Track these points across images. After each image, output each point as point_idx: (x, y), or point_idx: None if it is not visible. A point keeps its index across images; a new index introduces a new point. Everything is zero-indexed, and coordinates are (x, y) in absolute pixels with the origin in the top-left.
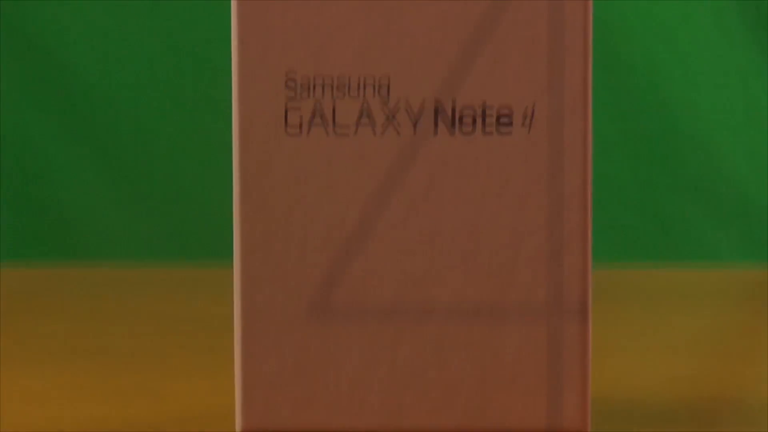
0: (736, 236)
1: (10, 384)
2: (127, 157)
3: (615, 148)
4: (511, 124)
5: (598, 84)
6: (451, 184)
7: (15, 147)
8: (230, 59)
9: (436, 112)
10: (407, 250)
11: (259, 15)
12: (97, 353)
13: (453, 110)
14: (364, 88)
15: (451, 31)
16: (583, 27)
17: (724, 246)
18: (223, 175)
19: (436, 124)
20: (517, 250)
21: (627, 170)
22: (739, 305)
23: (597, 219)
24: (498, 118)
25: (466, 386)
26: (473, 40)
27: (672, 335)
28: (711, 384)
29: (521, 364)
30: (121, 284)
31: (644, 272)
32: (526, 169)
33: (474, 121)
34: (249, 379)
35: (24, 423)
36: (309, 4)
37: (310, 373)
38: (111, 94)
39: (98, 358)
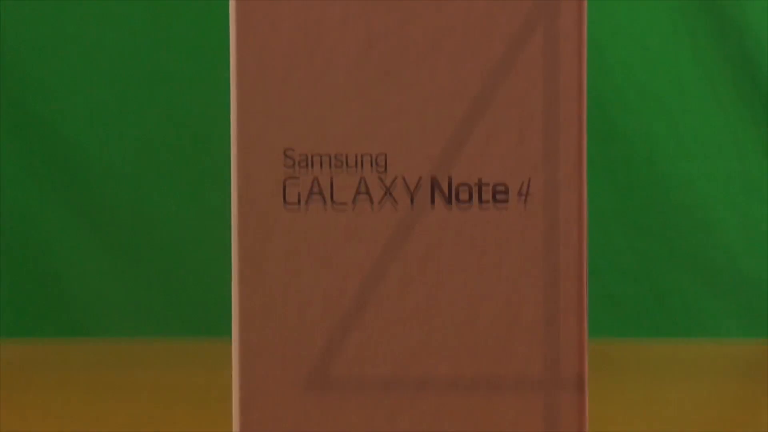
0: (733, 310)
1: None
2: (125, 231)
3: (612, 220)
4: (507, 198)
5: (595, 156)
6: (448, 257)
7: (15, 222)
8: (228, 132)
9: (433, 186)
10: (404, 322)
11: (258, 91)
12: (96, 425)
13: (450, 182)
14: (362, 163)
15: (447, 107)
16: (578, 101)
17: (721, 320)
18: (222, 248)
19: (433, 198)
20: (513, 323)
21: (624, 243)
22: (737, 379)
23: (593, 291)
24: (494, 193)
25: None
26: (468, 115)
27: (669, 408)
28: None
29: None
30: (120, 358)
31: (641, 345)
32: (522, 241)
33: (470, 196)
34: None
35: None
36: (307, 80)
37: None
38: (110, 168)
39: (98, 429)
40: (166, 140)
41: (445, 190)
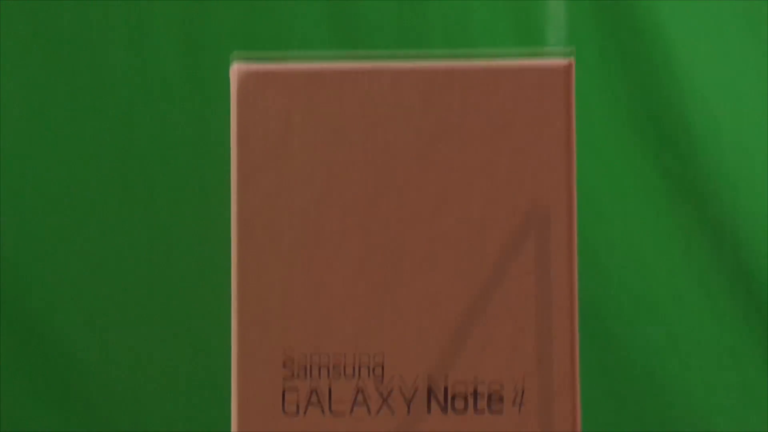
0: None
1: None
2: None
3: (607, 427)
4: (502, 408)
5: (592, 364)
6: None
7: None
8: (228, 338)
9: (429, 391)
10: None
11: (258, 297)
12: None
13: (445, 389)
14: (359, 368)
15: (443, 311)
16: (570, 308)
17: None
18: None
19: (429, 404)
20: None
21: None
22: None
23: None
24: (489, 401)
25: None
26: (464, 319)
27: None
28: None
29: None
30: None
31: None
32: None
33: (466, 401)
34: None
35: None
36: (307, 284)
37: None
38: (109, 378)
39: None
40: (165, 345)
41: (441, 398)
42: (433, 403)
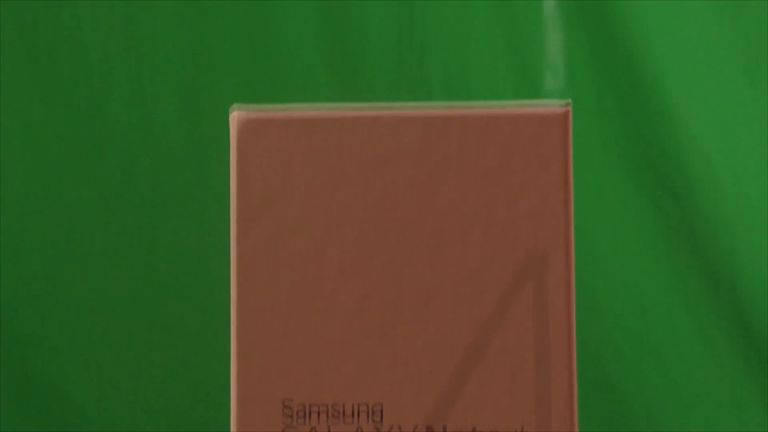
0: None
1: None
2: None
3: None
4: None
5: (591, 408)
6: None
7: None
8: (227, 384)
9: None
10: None
11: (257, 342)
12: None
13: None
14: (358, 414)
15: (441, 357)
16: (568, 352)
17: None
18: None
19: None
20: None
21: None
22: None
23: None
24: None
25: None
26: (462, 366)
27: None
28: None
29: None
30: None
31: None
32: None
33: None
34: None
35: None
36: (306, 332)
37: None
38: (108, 422)
39: None
40: (164, 394)
41: None
42: None
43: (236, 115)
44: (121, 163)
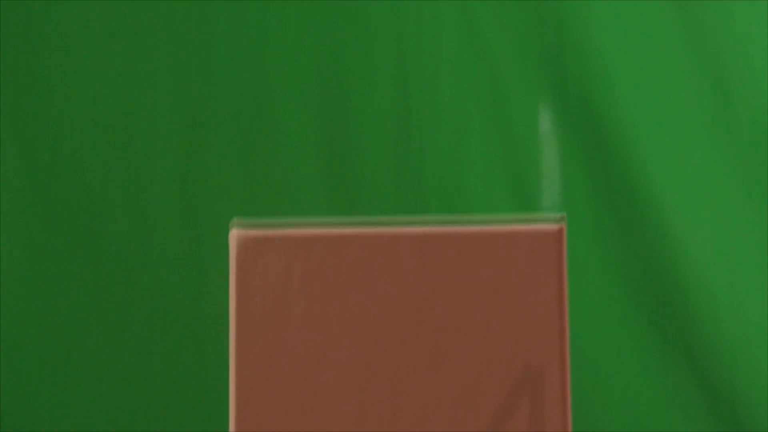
0: None
1: None
2: None
3: None
4: None
5: None
6: None
7: None
8: None
9: None
10: None
11: None
12: None
13: None
14: None
15: None
16: None
17: None
18: None
19: None
20: None
21: None
22: None
23: None
24: None
25: None
26: None
27: None
28: None
29: None
30: None
31: None
32: None
33: None
34: None
35: None
36: None
37: None
38: None
39: None
40: None
41: None
42: None
43: (235, 233)
44: (119, 280)
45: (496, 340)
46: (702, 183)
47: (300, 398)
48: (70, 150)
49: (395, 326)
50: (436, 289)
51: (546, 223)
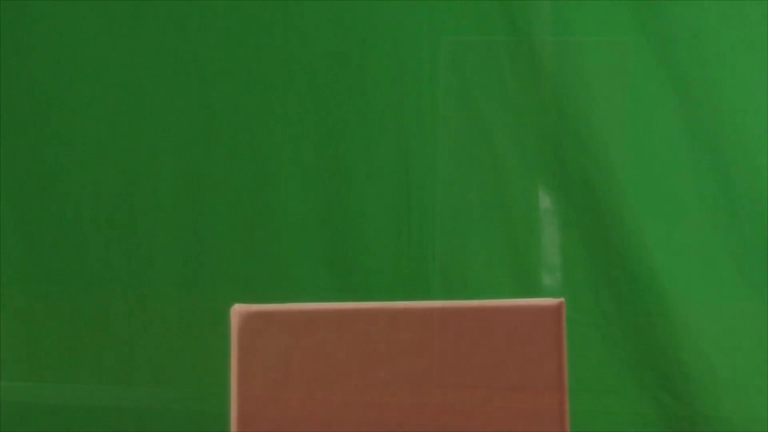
0: None
1: None
2: None
3: None
4: None
5: None
6: None
7: None
8: None
9: None
10: None
11: None
12: None
13: None
14: None
15: None
16: None
17: None
18: None
19: None
20: None
21: None
22: None
23: None
24: None
25: None
26: None
27: None
28: None
29: None
30: None
31: None
32: None
33: None
34: None
35: None
36: None
37: None
38: None
39: None
40: None
41: None
42: None
43: (237, 309)
44: (121, 354)
45: (498, 417)
46: (702, 265)
47: None
48: (71, 226)
49: (396, 402)
50: (437, 365)
51: (546, 298)
